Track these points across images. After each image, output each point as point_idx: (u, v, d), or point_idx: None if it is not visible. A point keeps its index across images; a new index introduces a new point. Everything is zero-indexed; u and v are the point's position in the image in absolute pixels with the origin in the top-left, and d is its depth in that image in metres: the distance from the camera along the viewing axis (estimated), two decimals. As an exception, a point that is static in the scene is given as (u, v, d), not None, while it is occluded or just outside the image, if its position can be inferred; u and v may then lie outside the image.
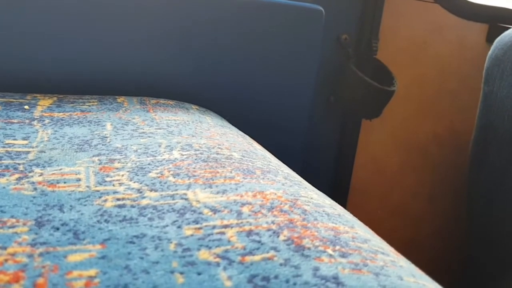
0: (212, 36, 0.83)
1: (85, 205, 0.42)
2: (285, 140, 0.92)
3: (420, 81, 1.18)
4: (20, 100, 0.68)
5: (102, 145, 0.55)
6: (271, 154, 0.63)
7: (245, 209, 0.42)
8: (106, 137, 0.57)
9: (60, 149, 0.53)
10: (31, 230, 0.37)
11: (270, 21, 0.86)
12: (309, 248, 0.37)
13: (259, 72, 0.88)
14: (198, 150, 0.55)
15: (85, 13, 0.76)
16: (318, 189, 0.53)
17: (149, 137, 0.58)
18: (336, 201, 0.51)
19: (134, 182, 0.46)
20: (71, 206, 0.41)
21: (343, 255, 0.37)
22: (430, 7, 1.13)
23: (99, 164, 0.50)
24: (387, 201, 1.26)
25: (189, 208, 0.42)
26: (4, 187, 0.44)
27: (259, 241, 0.37)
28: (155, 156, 0.52)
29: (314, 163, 1.15)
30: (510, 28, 0.96)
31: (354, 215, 0.48)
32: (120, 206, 0.42)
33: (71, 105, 0.68)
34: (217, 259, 0.35)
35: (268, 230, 0.39)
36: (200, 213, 0.41)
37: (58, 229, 0.38)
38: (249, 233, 0.38)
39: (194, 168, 0.50)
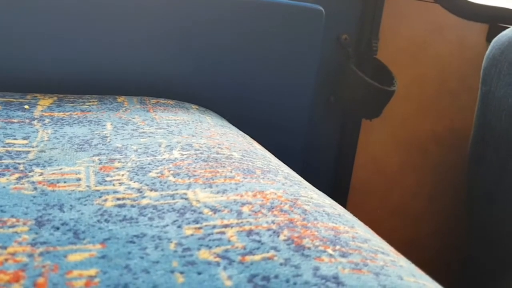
0: (212, 36, 0.83)
1: (85, 204, 0.42)
2: (285, 140, 0.92)
3: (420, 81, 1.18)
4: (20, 100, 0.68)
5: (102, 144, 0.55)
6: (271, 154, 0.63)
7: (245, 209, 0.42)
8: (106, 136, 0.57)
9: (60, 149, 0.53)
10: (31, 229, 0.37)
11: (270, 21, 0.86)
12: (309, 248, 0.37)
13: (259, 72, 0.88)
14: (198, 150, 0.55)
15: (85, 13, 0.76)
16: (318, 189, 0.53)
17: (149, 136, 0.58)
18: (336, 201, 0.51)
19: (134, 182, 0.46)
20: (71, 205, 0.41)
21: (343, 255, 0.37)
22: (430, 7, 1.13)
23: (99, 163, 0.50)
24: (387, 201, 1.26)
25: (189, 207, 0.42)
26: (4, 187, 0.44)
27: (259, 241, 0.37)
28: (155, 156, 0.52)
29: (314, 163, 1.15)
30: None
31: (354, 215, 0.48)
32: (120, 206, 0.42)
33: (71, 104, 0.68)
34: (217, 259, 0.35)
35: (268, 229, 0.39)
36: (200, 212, 0.41)
37: (58, 228, 0.38)
38: (249, 232, 0.38)
39: (194, 167, 0.50)
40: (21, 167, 0.48)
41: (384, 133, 1.20)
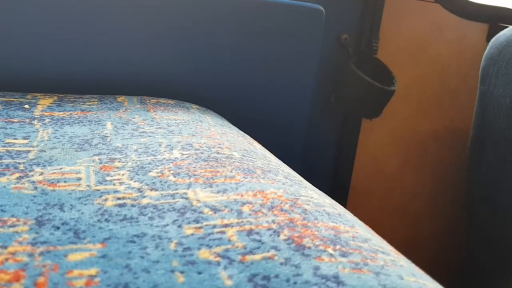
0: (212, 36, 0.83)
1: (85, 204, 0.42)
2: (285, 140, 0.92)
3: (420, 80, 1.18)
4: (21, 100, 0.68)
5: (103, 144, 0.55)
6: (271, 154, 0.63)
7: (245, 209, 0.42)
8: (107, 136, 0.57)
9: (60, 148, 0.53)
10: (32, 229, 0.37)
11: (270, 20, 0.86)
12: (309, 248, 0.37)
13: (259, 72, 0.88)
14: (199, 149, 0.55)
15: (85, 13, 0.76)
16: (318, 189, 0.53)
17: (150, 136, 0.58)
18: (336, 201, 0.51)
19: (135, 182, 0.46)
20: (71, 205, 0.41)
21: (343, 255, 0.37)
22: (430, 7, 1.14)
23: (100, 163, 0.50)
24: (387, 201, 1.26)
25: (190, 207, 0.42)
26: (4, 186, 0.44)
27: (259, 240, 0.37)
28: (156, 156, 0.52)
29: (314, 163, 1.15)
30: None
31: (354, 215, 0.48)
32: (120, 205, 0.42)
33: (72, 104, 0.68)
34: (218, 258, 0.35)
35: (269, 229, 0.39)
36: (200, 212, 0.41)
37: (58, 228, 0.38)
38: (250, 232, 0.38)
39: (194, 167, 0.50)
40: (21, 166, 0.48)
41: (384, 133, 1.21)
